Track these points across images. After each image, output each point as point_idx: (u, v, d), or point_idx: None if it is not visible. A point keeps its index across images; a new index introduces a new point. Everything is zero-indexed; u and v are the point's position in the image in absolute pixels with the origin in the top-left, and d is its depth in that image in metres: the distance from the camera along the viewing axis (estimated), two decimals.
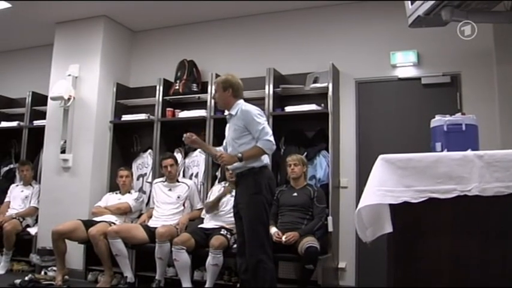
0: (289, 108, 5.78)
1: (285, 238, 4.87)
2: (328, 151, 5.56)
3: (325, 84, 5.64)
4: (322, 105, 5.65)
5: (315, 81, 5.80)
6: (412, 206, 2.53)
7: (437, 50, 5.52)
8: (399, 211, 2.57)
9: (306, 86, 5.84)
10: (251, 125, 4.30)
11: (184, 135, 4.52)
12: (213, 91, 4.76)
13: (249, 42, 6.51)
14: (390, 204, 2.58)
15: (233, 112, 4.46)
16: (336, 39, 6.05)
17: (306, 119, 5.84)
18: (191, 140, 4.50)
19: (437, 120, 3.09)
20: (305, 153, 5.58)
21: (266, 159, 4.39)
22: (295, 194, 5.23)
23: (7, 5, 6.45)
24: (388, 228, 2.58)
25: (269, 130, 4.32)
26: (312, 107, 5.65)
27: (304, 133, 5.92)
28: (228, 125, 4.60)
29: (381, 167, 2.63)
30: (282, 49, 6.28)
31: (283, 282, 5.35)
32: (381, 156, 2.68)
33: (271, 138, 4.26)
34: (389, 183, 2.59)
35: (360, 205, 2.61)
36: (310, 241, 4.72)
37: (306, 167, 5.34)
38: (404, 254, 2.64)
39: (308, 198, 5.17)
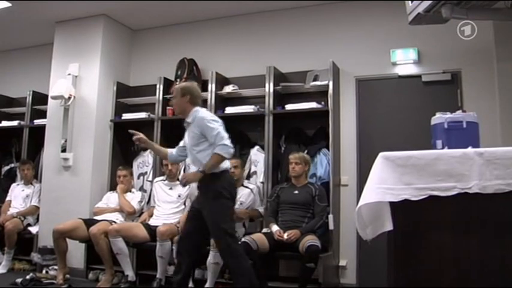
0: (289, 106, 5.78)
1: (287, 236, 4.88)
2: (328, 149, 5.56)
3: (325, 82, 5.64)
4: (323, 103, 5.66)
5: (315, 79, 5.80)
6: (412, 204, 2.53)
7: (438, 48, 5.51)
8: (399, 209, 2.57)
9: (306, 84, 5.84)
10: (206, 131, 4.30)
11: (134, 137, 4.61)
12: (173, 97, 4.75)
13: (249, 41, 6.51)
14: (390, 202, 2.58)
15: (189, 120, 4.47)
16: (336, 37, 6.04)
17: (306, 117, 5.84)
18: (138, 139, 4.61)
19: (438, 118, 3.09)
20: (306, 151, 5.58)
21: (226, 164, 4.36)
22: (296, 191, 5.24)
23: (7, 4, 6.45)
24: (389, 226, 2.58)
25: (224, 134, 4.30)
26: (312, 105, 5.65)
27: (304, 131, 5.93)
28: (186, 132, 4.58)
29: (381, 165, 2.63)
30: (282, 47, 6.28)
31: (284, 280, 5.36)
32: (381, 154, 2.68)
33: (227, 142, 4.25)
34: (389, 181, 2.59)
35: (360, 203, 2.62)
36: (311, 239, 4.73)
37: (308, 166, 5.33)
38: (404, 252, 2.64)
39: (309, 196, 5.17)
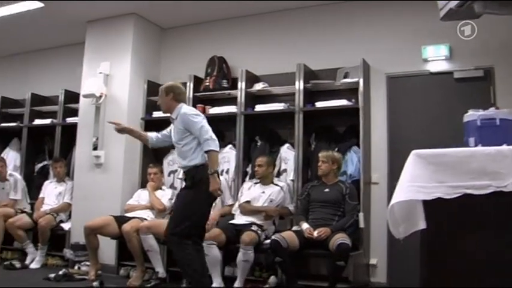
0: (319, 104, 5.74)
1: (317, 234, 4.86)
2: (359, 147, 5.52)
3: (355, 80, 5.60)
4: (353, 100, 5.61)
5: (345, 77, 5.76)
6: (445, 202, 2.50)
7: (470, 44, 5.42)
8: (433, 207, 2.54)
9: (336, 81, 5.80)
10: (190, 126, 4.49)
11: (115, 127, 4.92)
12: (158, 97, 4.94)
13: (279, 38, 6.48)
14: (423, 200, 2.55)
15: (174, 116, 4.66)
16: (367, 34, 5.98)
17: (337, 115, 5.80)
18: (120, 129, 4.94)
19: (471, 115, 3.05)
20: (336, 149, 5.55)
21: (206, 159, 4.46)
22: (327, 190, 5.22)
23: (40, 4, 6.56)
24: (422, 225, 2.56)
25: (208, 127, 4.48)
26: (343, 102, 5.62)
27: (334, 129, 5.89)
28: (172, 128, 4.78)
29: (414, 163, 2.61)
30: (312, 44, 6.25)
31: (314, 278, 5.33)
32: (413, 152, 2.65)
33: (211, 135, 4.43)
34: (421, 179, 2.56)
35: (393, 201, 2.59)
36: (341, 237, 4.70)
37: (336, 165, 5.29)
38: (437, 252, 2.61)
39: (340, 194, 5.15)
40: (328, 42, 6.16)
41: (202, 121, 4.51)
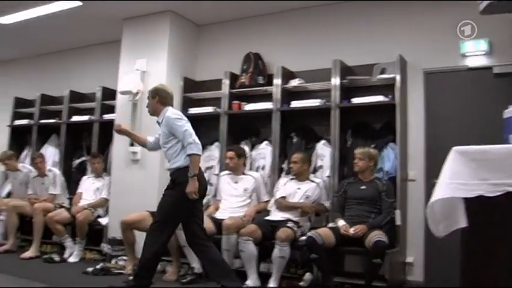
0: (355, 100, 5.70)
1: (353, 231, 4.83)
2: (395, 143, 5.46)
3: (392, 75, 5.54)
4: (390, 96, 5.54)
5: (382, 72, 5.69)
6: (487, 200, 2.45)
7: (510, 38, 5.31)
8: (474, 205, 2.49)
9: (372, 77, 5.74)
10: (174, 129, 4.59)
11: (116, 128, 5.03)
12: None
13: (314, 34, 6.45)
14: (465, 198, 2.51)
15: (160, 120, 4.78)
16: (403, 29, 5.89)
17: (373, 111, 5.75)
18: (119, 130, 5.04)
19: (511, 111, 2.99)
20: (372, 146, 5.50)
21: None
22: (364, 187, 5.17)
23: (78, 3, 6.67)
24: (463, 223, 2.51)
25: (191, 131, 4.56)
26: (379, 98, 5.56)
27: (371, 125, 5.84)
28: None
29: (455, 160, 2.56)
30: (348, 40, 6.20)
31: (350, 276, 5.28)
32: (454, 148, 2.60)
33: (194, 139, 4.51)
34: (463, 176, 2.51)
35: (433, 198, 2.55)
36: (378, 235, 4.66)
37: (373, 162, 5.24)
38: (478, 251, 2.56)
39: (376, 191, 5.10)
40: (365, 37, 6.09)
41: (185, 125, 4.59)
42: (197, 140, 4.53)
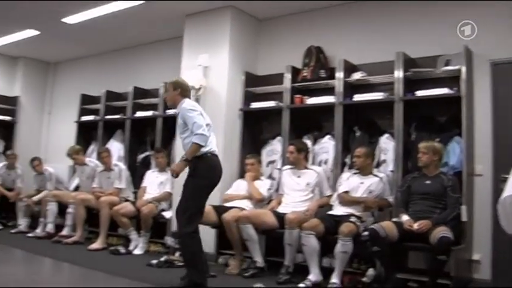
0: (420, 93, 5.56)
1: (417, 226, 4.73)
2: (461, 137, 5.30)
3: (457, 67, 5.37)
4: (455, 88, 5.37)
5: (446, 64, 5.54)
6: None
7: None
8: None
9: (437, 69, 5.60)
10: (186, 119, 4.74)
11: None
12: (165, 92, 5.42)
13: (376, 26, 6.32)
14: None
15: (177, 110, 4.93)
16: (468, 18, 5.68)
17: (437, 104, 5.60)
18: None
19: None
20: (437, 140, 5.37)
21: (206, 148, 4.72)
22: (428, 181, 5.04)
23: (141, 1, 6.82)
24: None
25: (201, 123, 4.68)
26: (444, 91, 5.41)
27: (435, 118, 5.69)
28: None
29: None
30: (411, 31, 6.02)
31: (414, 272, 5.18)
32: None
33: (201, 131, 4.61)
34: None
35: (504, 194, 2.47)
36: (443, 231, 4.53)
37: (437, 156, 5.10)
38: None
39: (441, 186, 4.96)
40: (428, 28, 5.91)
41: (196, 116, 4.72)
42: (205, 133, 4.64)
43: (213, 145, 4.86)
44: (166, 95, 5.17)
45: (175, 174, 4.77)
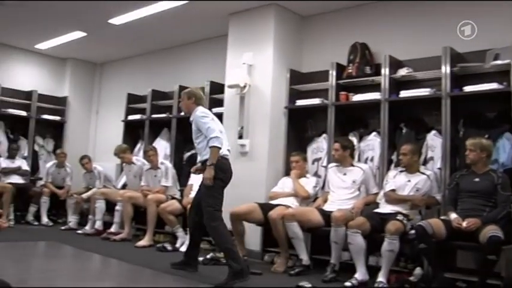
0: (467, 88, 5.44)
1: (466, 224, 4.64)
2: (511, 133, 5.19)
3: (507, 61, 5.24)
4: (505, 83, 5.24)
5: (495, 58, 5.40)
6: None
7: None
8: None
9: (485, 64, 5.47)
10: (200, 126, 5.13)
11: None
12: (181, 100, 5.67)
13: (422, 20, 6.19)
14: None
15: (192, 118, 5.29)
16: None
17: (486, 99, 5.45)
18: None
19: None
20: (486, 136, 5.26)
21: (221, 151, 5.07)
22: (477, 179, 4.93)
23: (185, 1, 6.90)
24: None
25: (214, 127, 5.06)
26: (493, 86, 5.27)
27: (484, 114, 5.56)
28: None
29: None
30: (458, 25, 5.92)
31: (462, 272, 5.07)
32: None
33: (215, 134, 4.99)
34: None
35: None
36: (493, 230, 4.42)
37: (486, 153, 4.95)
38: None
39: (491, 184, 4.84)
40: (475, 21, 5.74)
41: (209, 122, 5.10)
42: (219, 135, 5.02)
43: (225, 149, 5.17)
44: (182, 103, 5.56)
45: (210, 181, 4.99)
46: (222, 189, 5.16)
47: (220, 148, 5.00)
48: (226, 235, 5.07)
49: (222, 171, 5.08)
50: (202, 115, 5.16)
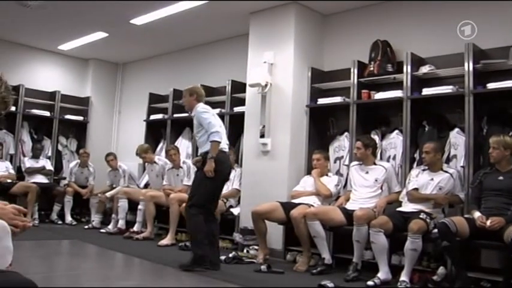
0: (491, 85, 5.37)
1: (489, 223, 4.59)
2: None
3: None
4: None
5: None
6: None
7: None
8: None
9: (509, 60, 5.40)
10: (201, 121, 5.45)
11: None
12: (182, 97, 6.13)
13: (444, 17, 6.12)
14: None
15: (193, 113, 5.64)
16: None
17: (510, 96, 5.37)
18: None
19: None
20: (510, 134, 5.19)
21: (220, 145, 5.38)
22: (501, 177, 4.86)
23: (206, 0, 6.92)
24: None
25: (215, 122, 5.41)
26: None
27: (508, 111, 5.49)
28: None
29: None
30: (481, 21, 5.77)
31: (486, 271, 5.01)
32: None
33: (215, 129, 5.32)
34: None
35: None
36: None
37: (509, 151, 4.86)
38: None
39: None
40: (498, 18, 5.68)
41: (210, 117, 5.43)
42: (219, 130, 5.36)
43: (224, 144, 5.49)
44: (184, 100, 5.89)
45: (211, 173, 5.29)
46: (217, 182, 5.50)
47: (220, 142, 5.33)
48: (199, 225, 5.37)
49: (220, 163, 5.34)
50: (203, 110, 5.51)
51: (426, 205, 5.25)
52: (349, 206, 5.71)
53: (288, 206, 5.93)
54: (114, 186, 8.81)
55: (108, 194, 8.49)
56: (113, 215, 8.16)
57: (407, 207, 5.37)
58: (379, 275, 5.01)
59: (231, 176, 7.12)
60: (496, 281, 4.72)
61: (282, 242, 6.46)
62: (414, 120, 5.84)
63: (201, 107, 5.58)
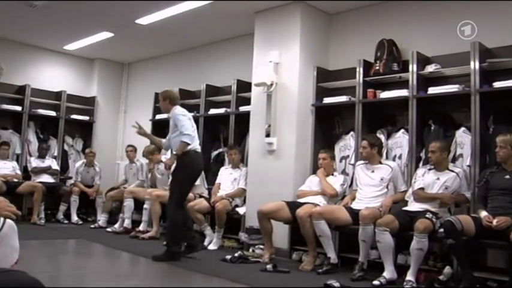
0: (497, 84, 5.35)
1: (496, 222, 4.57)
2: None
3: None
4: None
5: None
6: None
7: None
8: None
9: None
10: (177, 123, 5.81)
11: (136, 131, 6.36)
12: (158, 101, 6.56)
13: (449, 16, 6.07)
14: None
15: (170, 115, 6.02)
16: None
17: None
18: (139, 132, 6.35)
19: None
20: None
21: (194, 146, 5.83)
22: (507, 176, 4.84)
23: (211, 0, 6.93)
24: None
25: (188, 126, 5.78)
26: None
27: None
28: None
29: None
30: (487, 20, 5.76)
31: (492, 271, 4.99)
32: None
33: (188, 132, 5.73)
34: None
35: None
36: None
37: None
38: None
39: None
40: (504, 16, 5.66)
41: (185, 120, 5.82)
42: (191, 133, 5.76)
43: (197, 144, 5.90)
44: (160, 104, 6.23)
45: (168, 167, 5.99)
46: (191, 180, 6.06)
47: (188, 144, 5.70)
48: (178, 222, 5.81)
49: (193, 163, 5.87)
50: (180, 113, 5.90)
51: (432, 204, 5.23)
52: (354, 205, 5.71)
53: (293, 206, 5.92)
54: (126, 181, 8.97)
55: (131, 187, 8.53)
56: (121, 214, 8.16)
57: (413, 206, 5.35)
58: (384, 274, 5.00)
59: (237, 175, 7.18)
60: (502, 280, 4.69)
61: (288, 241, 6.46)
62: (420, 119, 5.82)
63: (178, 109, 5.97)
